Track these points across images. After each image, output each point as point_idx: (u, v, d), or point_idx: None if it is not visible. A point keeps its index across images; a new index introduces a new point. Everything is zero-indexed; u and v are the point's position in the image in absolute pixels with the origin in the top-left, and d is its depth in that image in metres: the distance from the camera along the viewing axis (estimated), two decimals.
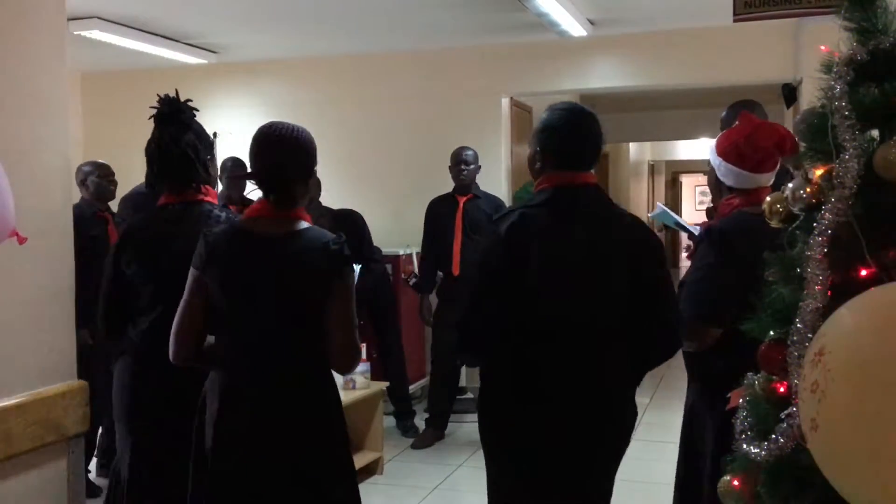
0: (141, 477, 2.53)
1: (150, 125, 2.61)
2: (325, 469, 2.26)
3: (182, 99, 2.61)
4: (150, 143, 2.60)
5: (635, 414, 2.42)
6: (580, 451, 2.30)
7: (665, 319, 2.31)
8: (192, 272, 2.26)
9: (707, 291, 2.38)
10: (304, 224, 2.27)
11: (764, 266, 1.67)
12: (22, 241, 2.13)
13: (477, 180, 5.54)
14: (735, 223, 2.42)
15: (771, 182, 2.50)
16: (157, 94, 2.60)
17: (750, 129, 2.47)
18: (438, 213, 5.38)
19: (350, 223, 4.91)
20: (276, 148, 2.27)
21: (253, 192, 2.39)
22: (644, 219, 12.37)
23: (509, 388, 2.29)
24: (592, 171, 2.40)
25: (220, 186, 4.34)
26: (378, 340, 5.50)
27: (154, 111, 2.58)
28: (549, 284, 2.25)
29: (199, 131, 2.63)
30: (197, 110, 2.64)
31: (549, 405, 2.26)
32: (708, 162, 2.60)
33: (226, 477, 2.21)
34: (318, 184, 5.65)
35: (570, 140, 2.34)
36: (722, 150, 2.49)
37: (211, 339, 2.30)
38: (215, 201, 2.65)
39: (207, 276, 2.23)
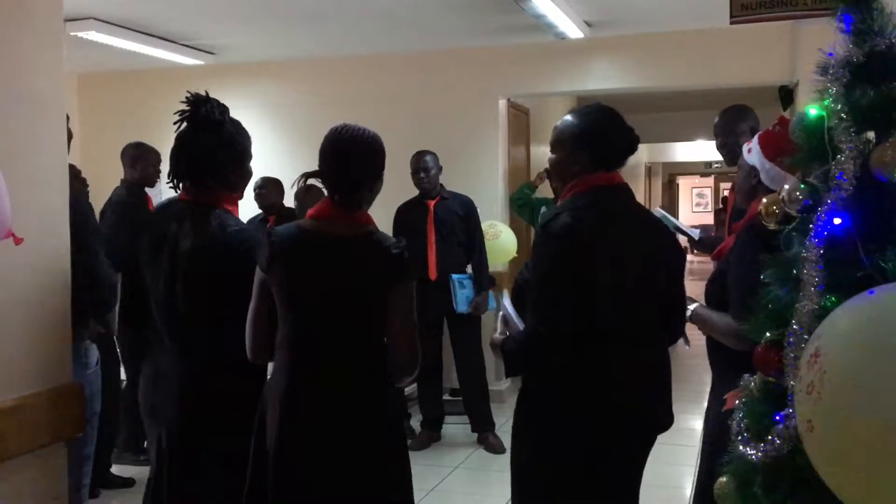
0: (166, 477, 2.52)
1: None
2: (384, 473, 2.27)
3: (213, 98, 2.57)
4: (176, 139, 2.58)
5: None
6: (641, 451, 2.40)
7: (679, 309, 2.44)
8: (257, 276, 2.28)
9: (753, 291, 2.36)
10: (370, 227, 2.31)
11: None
12: (18, 241, 2.12)
13: (474, 181, 5.53)
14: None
15: None
16: (187, 92, 2.56)
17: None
18: (408, 220, 5.32)
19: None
20: (346, 150, 2.29)
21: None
22: None
23: (580, 391, 2.29)
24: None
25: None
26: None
27: (183, 109, 2.55)
28: (614, 285, 2.28)
29: (228, 135, 2.56)
30: (226, 109, 2.59)
31: (622, 404, 2.29)
32: (745, 163, 2.57)
33: (289, 478, 2.21)
34: (276, 184, 5.61)
35: (612, 141, 2.39)
36: (774, 155, 2.45)
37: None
38: (234, 208, 2.60)
39: (273, 275, 2.24)
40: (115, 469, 4.72)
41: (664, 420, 2.45)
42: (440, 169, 5.40)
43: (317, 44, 6.44)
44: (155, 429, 2.56)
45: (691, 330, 2.56)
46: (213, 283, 2.44)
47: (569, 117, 2.45)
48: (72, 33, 5.39)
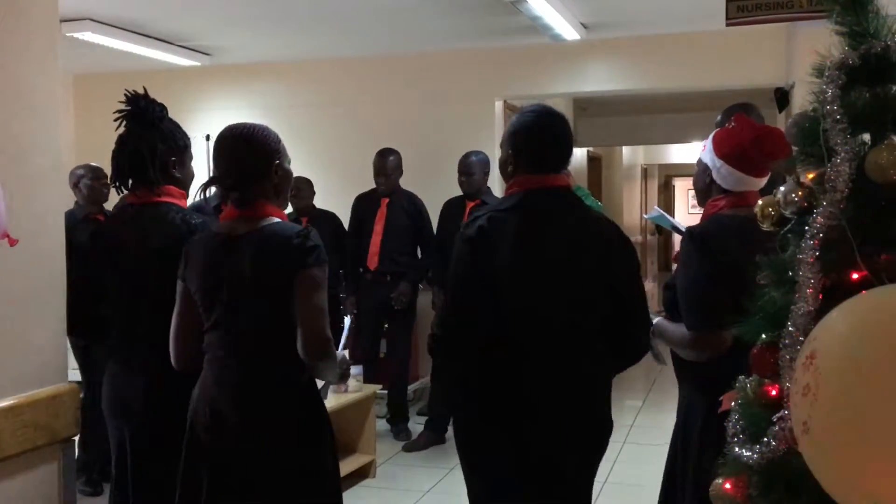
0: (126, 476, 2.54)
1: (114, 120, 2.61)
2: (293, 469, 2.25)
3: (151, 97, 2.59)
4: (116, 142, 2.60)
5: (611, 425, 2.42)
6: (559, 459, 2.30)
7: (638, 319, 2.34)
8: (178, 284, 2.34)
9: (705, 297, 2.31)
10: (271, 220, 2.29)
11: (748, 268, 1.67)
12: (13, 243, 2.12)
13: None
14: (713, 225, 2.39)
15: (750, 187, 2.46)
16: (125, 92, 2.57)
17: (755, 134, 2.42)
18: (448, 216, 5.45)
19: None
20: (228, 150, 2.31)
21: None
22: (638, 221, 12.31)
23: (488, 396, 2.28)
24: (564, 173, 2.40)
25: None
26: (387, 341, 5.60)
27: (121, 109, 2.58)
28: (520, 289, 2.24)
29: (168, 131, 2.58)
30: (165, 109, 2.60)
31: (529, 412, 2.26)
32: (700, 161, 2.54)
33: (198, 478, 2.25)
34: (309, 185, 5.69)
35: (542, 143, 2.34)
36: (725, 153, 2.42)
37: None
38: (183, 203, 2.61)
39: (184, 281, 2.32)
40: None
41: (592, 430, 2.36)
42: (487, 174, 5.54)
43: (313, 45, 6.44)
44: (118, 427, 2.57)
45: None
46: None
47: (514, 117, 2.42)
48: (68, 34, 5.39)
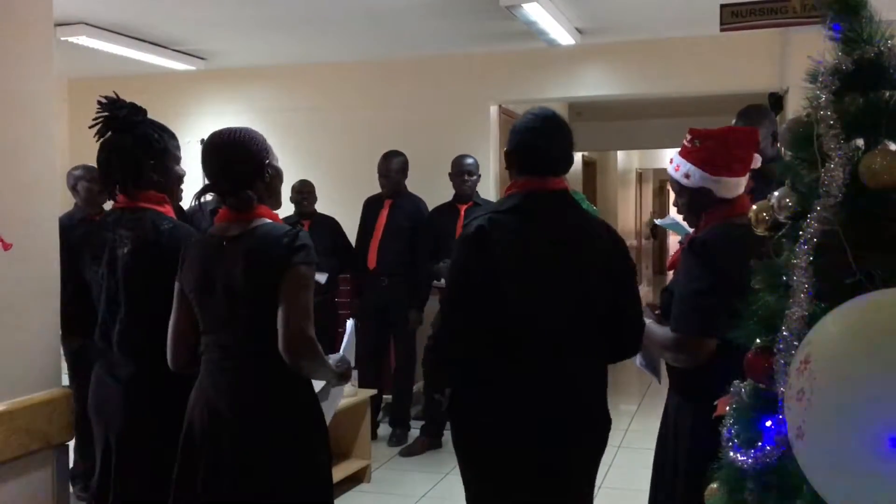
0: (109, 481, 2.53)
1: (89, 127, 2.60)
2: (288, 469, 2.26)
3: (128, 102, 2.58)
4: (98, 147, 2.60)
5: (609, 421, 2.43)
6: (557, 460, 2.30)
7: (631, 317, 2.36)
8: (176, 284, 2.36)
9: (699, 304, 2.31)
10: (262, 221, 2.30)
11: (748, 277, 1.67)
12: (7, 246, 2.12)
13: None
14: (719, 234, 2.38)
15: (743, 188, 2.46)
16: (98, 99, 2.55)
17: (723, 135, 2.43)
18: (440, 222, 5.44)
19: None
20: (216, 156, 2.32)
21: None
22: (633, 225, 12.31)
23: (486, 397, 2.28)
24: (563, 177, 2.41)
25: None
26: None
27: (98, 114, 2.55)
28: (520, 289, 2.25)
29: (142, 135, 2.54)
30: (143, 111, 2.58)
31: (531, 412, 2.26)
32: (672, 186, 2.52)
33: (192, 477, 2.26)
34: (313, 190, 5.71)
35: (542, 146, 2.35)
36: (700, 163, 2.41)
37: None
38: (165, 208, 2.59)
39: (183, 284, 2.33)
40: None
41: (593, 428, 2.38)
42: (479, 176, 5.58)
43: (308, 49, 6.44)
44: (102, 428, 2.57)
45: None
46: (152, 283, 2.46)
47: (517, 119, 2.43)
48: (62, 38, 5.38)
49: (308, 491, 2.29)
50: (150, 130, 2.57)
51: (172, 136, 2.65)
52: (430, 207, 5.64)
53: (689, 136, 2.49)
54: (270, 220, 2.32)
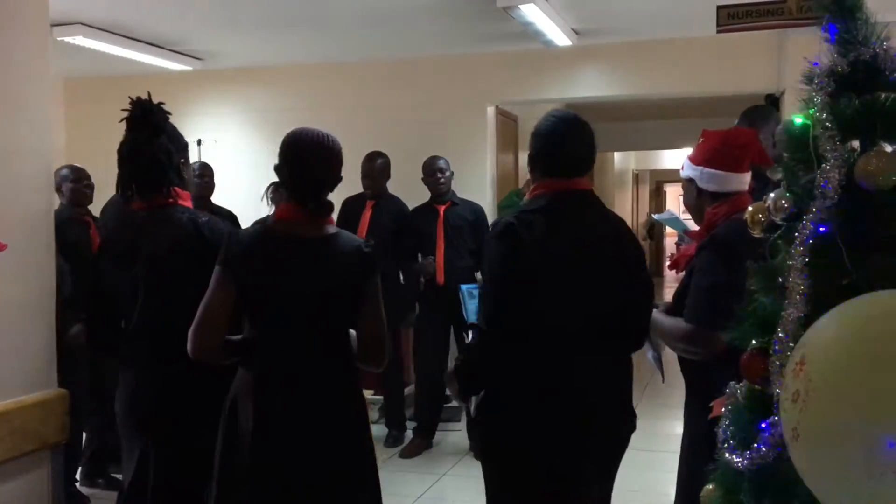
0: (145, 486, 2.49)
1: (120, 120, 2.59)
2: (353, 468, 2.30)
3: (158, 103, 2.58)
4: (121, 146, 2.57)
5: (635, 418, 2.49)
6: (598, 456, 2.36)
7: (646, 312, 2.42)
8: (217, 270, 2.25)
9: (716, 299, 2.29)
10: (333, 228, 2.35)
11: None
12: (2, 247, 2.11)
13: (462, 188, 5.55)
14: (737, 231, 2.41)
15: (748, 185, 2.53)
16: (129, 97, 2.56)
17: (722, 134, 2.54)
18: (419, 223, 5.40)
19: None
20: (314, 156, 2.32)
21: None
22: (632, 225, 12.31)
23: (525, 394, 2.29)
24: (587, 178, 2.45)
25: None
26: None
27: (125, 114, 2.55)
28: (551, 288, 2.27)
29: (172, 134, 2.59)
30: (169, 113, 2.60)
31: (567, 407, 2.28)
32: (683, 181, 2.62)
33: (267, 476, 2.22)
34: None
35: (567, 147, 2.38)
36: (699, 160, 2.53)
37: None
38: (189, 204, 2.61)
39: (237, 274, 2.23)
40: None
41: (617, 426, 2.42)
42: (453, 174, 5.49)
43: (304, 49, 6.44)
44: (138, 439, 2.52)
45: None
46: (196, 276, 2.41)
47: (540, 120, 2.46)
48: (59, 38, 5.37)
49: (375, 483, 2.37)
50: (173, 130, 2.60)
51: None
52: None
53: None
54: (335, 226, 2.37)
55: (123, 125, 2.55)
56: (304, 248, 2.27)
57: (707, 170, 2.50)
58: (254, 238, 2.29)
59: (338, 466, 2.26)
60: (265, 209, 5.61)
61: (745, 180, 2.51)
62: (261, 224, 2.41)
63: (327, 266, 2.27)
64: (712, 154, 2.50)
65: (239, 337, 2.30)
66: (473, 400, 2.42)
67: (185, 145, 2.64)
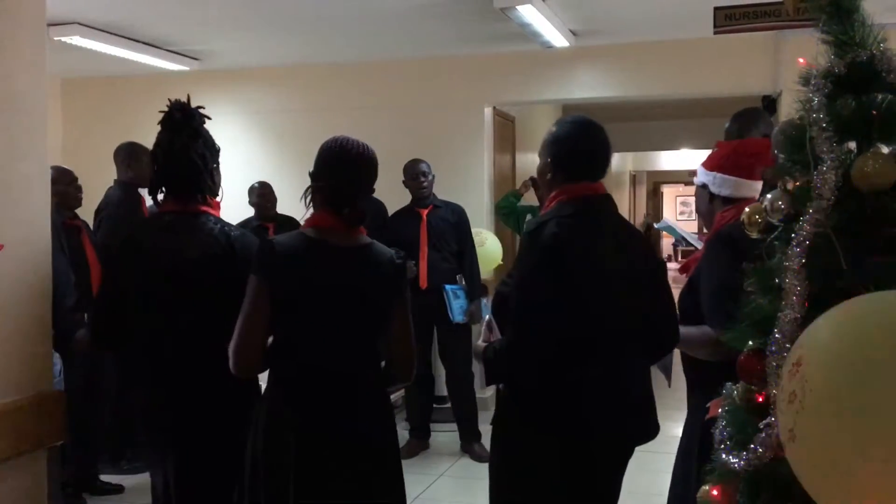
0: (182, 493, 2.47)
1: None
2: (384, 478, 2.32)
3: (197, 106, 2.56)
4: (155, 147, 2.55)
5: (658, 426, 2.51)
6: (615, 465, 2.40)
7: (671, 312, 2.44)
8: (254, 282, 2.21)
9: (728, 297, 2.34)
10: (367, 238, 2.36)
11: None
12: None
13: (460, 189, 5.55)
14: (739, 229, 2.43)
15: (758, 194, 2.55)
16: (168, 99, 2.54)
17: (735, 143, 2.63)
18: (402, 228, 5.35)
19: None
20: (354, 165, 2.33)
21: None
22: (631, 222, 12.32)
23: (560, 401, 2.27)
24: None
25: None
26: None
27: (163, 115, 2.52)
28: (598, 295, 2.28)
29: (208, 139, 2.56)
30: (209, 118, 2.58)
31: (605, 416, 2.29)
32: (697, 187, 2.66)
33: (306, 489, 2.19)
34: (271, 193, 5.63)
35: (590, 150, 2.42)
36: (714, 165, 2.57)
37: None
38: (218, 212, 2.58)
39: (273, 281, 2.20)
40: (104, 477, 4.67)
41: (640, 434, 2.44)
42: (434, 177, 5.46)
43: (302, 50, 6.44)
44: (161, 457, 2.49)
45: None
46: (222, 290, 2.39)
47: (553, 126, 2.48)
48: (56, 38, 5.36)
49: (401, 486, 2.40)
50: (208, 134, 2.57)
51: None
52: None
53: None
54: (366, 237, 2.37)
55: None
56: (340, 257, 2.27)
57: (720, 175, 2.55)
58: (290, 245, 2.25)
59: (370, 477, 2.26)
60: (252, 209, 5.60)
61: (756, 188, 2.55)
62: (298, 232, 2.34)
63: (364, 275, 2.27)
64: (725, 160, 2.55)
65: (271, 345, 2.26)
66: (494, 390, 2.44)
67: (218, 151, 2.61)
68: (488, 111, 6.72)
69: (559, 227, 2.27)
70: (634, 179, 17.05)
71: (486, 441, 5.29)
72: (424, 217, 5.34)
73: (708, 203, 2.61)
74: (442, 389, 5.73)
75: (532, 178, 6.09)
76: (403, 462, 4.16)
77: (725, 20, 4.73)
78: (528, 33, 5.49)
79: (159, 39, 6.02)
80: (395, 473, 2.36)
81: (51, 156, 2.60)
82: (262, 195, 5.61)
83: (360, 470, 2.23)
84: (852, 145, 1.52)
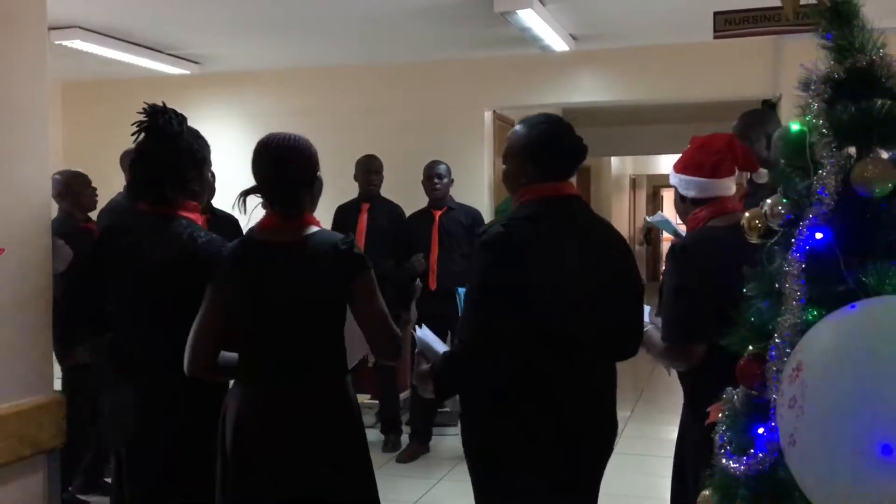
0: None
1: (131, 134, 2.56)
2: (348, 475, 2.28)
3: (170, 109, 2.55)
4: (133, 151, 2.56)
5: (617, 424, 2.45)
6: (589, 465, 2.35)
7: (635, 324, 2.39)
8: (208, 289, 2.27)
9: (680, 311, 2.38)
10: (313, 228, 2.31)
11: (735, 278, 1.68)
12: None
13: (460, 193, 5.55)
14: (698, 238, 2.47)
15: (732, 190, 2.56)
16: (144, 103, 2.53)
17: (701, 140, 2.58)
18: (414, 228, 5.40)
19: None
20: (274, 158, 2.30)
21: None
22: (627, 231, 12.29)
23: (517, 403, 2.25)
24: (571, 181, 2.43)
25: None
26: None
27: (140, 120, 2.53)
28: (548, 297, 2.23)
29: (186, 146, 2.53)
30: (184, 119, 2.57)
31: (561, 416, 2.25)
32: (674, 192, 2.67)
33: (248, 484, 2.22)
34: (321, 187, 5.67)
35: (561, 152, 2.35)
36: (679, 167, 2.58)
37: (231, 354, 2.31)
38: (195, 215, 2.56)
39: (223, 289, 2.26)
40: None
41: (601, 437, 2.39)
42: (452, 181, 5.47)
43: (302, 54, 6.45)
44: (115, 452, 2.50)
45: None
46: (182, 294, 2.39)
47: (518, 128, 2.41)
48: (56, 42, 5.37)
49: (373, 489, 2.35)
50: (192, 140, 2.55)
51: (207, 144, 2.63)
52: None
53: None
54: (318, 228, 2.32)
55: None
56: (277, 255, 2.25)
57: (685, 177, 2.54)
58: (233, 252, 2.30)
59: (333, 474, 2.23)
60: (257, 214, 5.61)
61: (725, 185, 2.52)
62: (245, 235, 2.38)
63: (300, 271, 2.23)
64: (689, 161, 2.55)
65: (235, 354, 2.29)
66: (451, 402, 2.39)
67: (202, 157, 2.58)
68: (488, 115, 6.73)
69: (505, 228, 2.24)
70: (634, 183, 17.06)
71: None
72: (437, 218, 5.36)
73: (680, 203, 2.62)
74: None
75: None
76: (403, 466, 4.12)
77: (725, 25, 4.74)
78: (529, 37, 5.50)
79: (160, 43, 6.03)
80: (356, 475, 2.31)
81: (51, 159, 2.60)
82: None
83: (325, 461, 2.23)
84: (852, 150, 1.52)
